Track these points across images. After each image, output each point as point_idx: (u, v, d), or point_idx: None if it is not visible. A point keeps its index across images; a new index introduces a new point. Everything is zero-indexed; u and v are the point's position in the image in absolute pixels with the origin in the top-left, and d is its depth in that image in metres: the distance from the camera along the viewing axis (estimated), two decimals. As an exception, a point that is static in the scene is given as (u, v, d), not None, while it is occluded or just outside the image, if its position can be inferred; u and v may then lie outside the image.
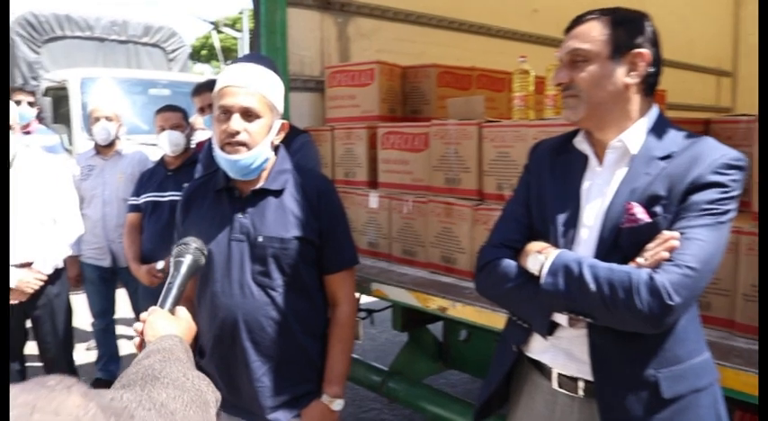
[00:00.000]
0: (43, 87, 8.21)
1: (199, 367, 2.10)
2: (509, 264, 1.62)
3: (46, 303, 3.42)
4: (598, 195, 1.57)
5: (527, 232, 1.67)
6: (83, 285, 4.22)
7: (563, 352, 1.59)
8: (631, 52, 1.51)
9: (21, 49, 8.64)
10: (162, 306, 1.38)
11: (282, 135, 2.00)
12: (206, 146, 3.00)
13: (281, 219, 1.96)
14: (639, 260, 1.41)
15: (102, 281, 4.10)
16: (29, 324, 3.53)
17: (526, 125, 2.52)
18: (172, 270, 1.47)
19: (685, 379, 1.47)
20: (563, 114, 1.61)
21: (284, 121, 2.00)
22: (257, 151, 1.90)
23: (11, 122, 3.27)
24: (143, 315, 1.36)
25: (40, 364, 3.65)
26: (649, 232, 1.43)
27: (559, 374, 1.61)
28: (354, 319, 2.16)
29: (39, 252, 3.34)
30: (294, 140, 2.75)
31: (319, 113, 3.63)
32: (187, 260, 1.48)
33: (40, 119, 5.98)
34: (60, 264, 3.47)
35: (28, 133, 4.99)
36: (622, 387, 1.48)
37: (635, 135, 1.54)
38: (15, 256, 3.30)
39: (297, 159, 2.52)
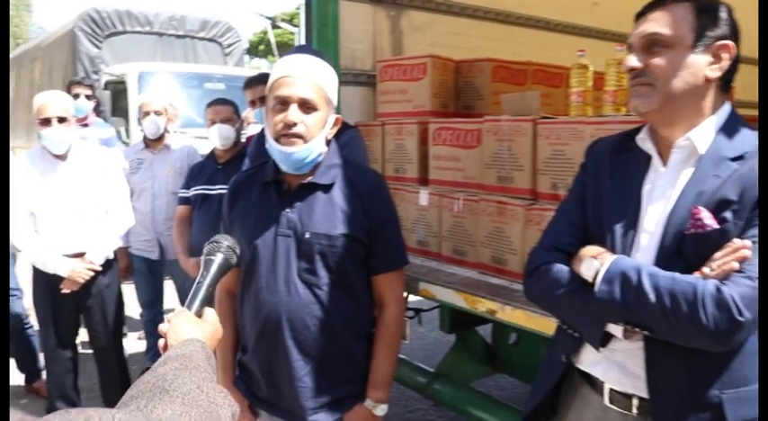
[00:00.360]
0: (103, 81, 8.40)
1: (240, 363, 2.08)
2: (561, 269, 1.52)
3: (97, 293, 3.48)
4: (661, 198, 1.45)
5: (581, 235, 1.57)
6: (132, 276, 4.27)
7: (616, 365, 1.49)
8: (716, 44, 1.39)
9: (83, 43, 8.87)
10: (189, 307, 1.31)
11: (336, 130, 1.95)
12: (255, 139, 2.98)
13: (330, 216, 1.90)
14: (705, 270, 1.30)
15: (150, 272, 4.14)
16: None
17: (584, 122, 2.41)
18: (201, 269, 1.41)
19: (753, 402, 1.33)
20: (632, 104, 1.48)
21: (338, 116, 1.95)
22: (312, 144, 1.85)
23: (67, 114, 3.31)
24: (168, 315, 1.31)
25: (90, 352, 3.71)
26: (717, 240, 1.31)
27: (612, 389, 1.51)
28: (401, 322, 2.09)
29: (90, 243, 3.39)
30: (342, 135, 2.70)
31: (370, 108, 3.57)
32: (218, 259, 1.42)
33: (98, 112, 6.10)
34: (111, 256, 3.52)
35: (85, 125, 5.08)
36: (681, 407, 1.36)
37: (704, 133, 1.42)
38: (68, 247, 3.36)
39: (344, 154, 2.46)
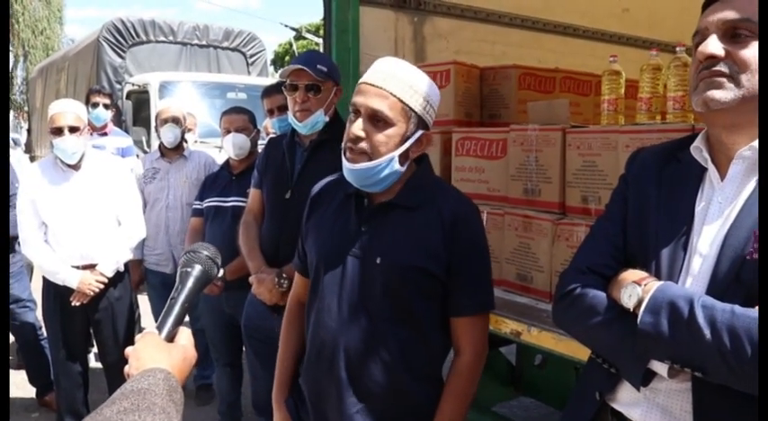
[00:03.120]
0: (125, 91, 8.41)
1: (297, 384, 1.90)
2: (597, 294, 1.34)
3: (107, 306, 3.40)
4: (717, 216, 1.26)
5: (621, 257, 1.38)
6: (145, 289, 4.18)
7: (659, 408, 1.30)
8: None
9: (107, 53, 8.91)
10: (160, 328, 1.14)
11: (423, 148, 1.73)
12: (263, 150, 2.87)
13: (406, 243, 1.70)
14: None
15: (164, 287, 4.02)
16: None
17: (616, 131, 2.26)
18: (177, 283, 1.23)
19: None
20: (702, 97, 1.25)
21: (427, 132, 1.71)
22: (379, 163, 1.64)
23: (79, 124, 3.25)
24: (137, 337, 1.15)
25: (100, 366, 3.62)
26: None
27: None
28: (478, 372, 1.80)
29: (102, 254, 3.31)
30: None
31: (391, 117, 3.45)
32: (195, 271, 1.24)
33: (119, 121, 6.08)
34: (122, 268, 3.43)
35: (104, 134, 5.04)
36: None
37: None
38: (80, 258, 3.29)
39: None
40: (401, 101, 1.63)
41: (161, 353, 1.07)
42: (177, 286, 1.22)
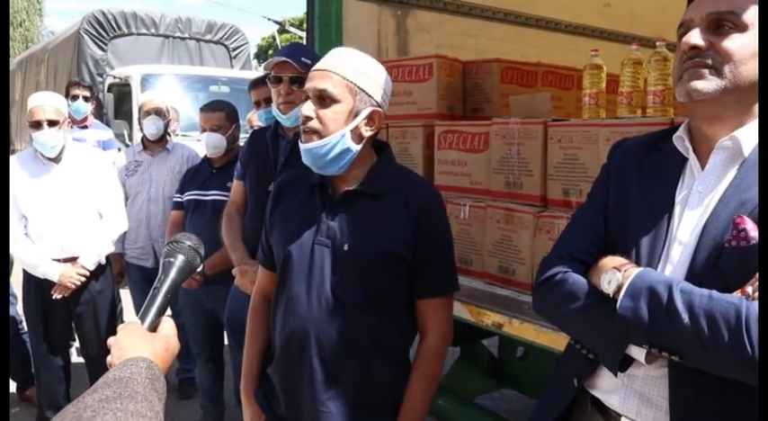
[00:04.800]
0: (107, 84, 8.33)
1: (265, 374, 1.92)
2: (577, 280, 1.34)
3: (89, 299, 3.38)
4: (697, 205, 1.28)
5: (601, 244, 1.39)
6: (126, 283, 4.15)
7: (636, 394, 1.31)
8: None
9: (88, 45, 8.81)
10: (143, 318, 1.15)
11: (376, 125, 1.76)
12: (246, 142, 2.86)
13: (373, 229, 1.73)
14: (749, 289, 1.11)
15: (145, 281, 3.98)
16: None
17: (597, 124, 2.28)
18: (159, 273, 1.24)
19: None
20: (685, 88, 1.27)
21: (378, 109, 1.74)
22: (330, 140, 1.67)
23: (58, 117, 3.22)
24: (119, 327, 1.15)
25: (83, 360, 3.60)
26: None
27: None
28: (444, 353, 1.87)
29: (83, 247, 3.29)
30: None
31: (374, 110, 3.45)
32: (178, 261, 1.24)
33: (100, 114, 6.01)
34: (104, 261, 3.41)
35: (85, 127, 4.99)
36: None
37: (750, 134, 1.24)
38: (61, 251, 3.27)
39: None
40: (344, 78, 1.68)
41: (143, 342, 1.07)
42: (160, 276, 1.22)
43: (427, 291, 1.80)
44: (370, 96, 1.71)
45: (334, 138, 1.68)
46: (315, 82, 1.68)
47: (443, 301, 1.85)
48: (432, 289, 1.81)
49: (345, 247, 1.71)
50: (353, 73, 1.69)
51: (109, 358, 1.06)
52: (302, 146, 1.71)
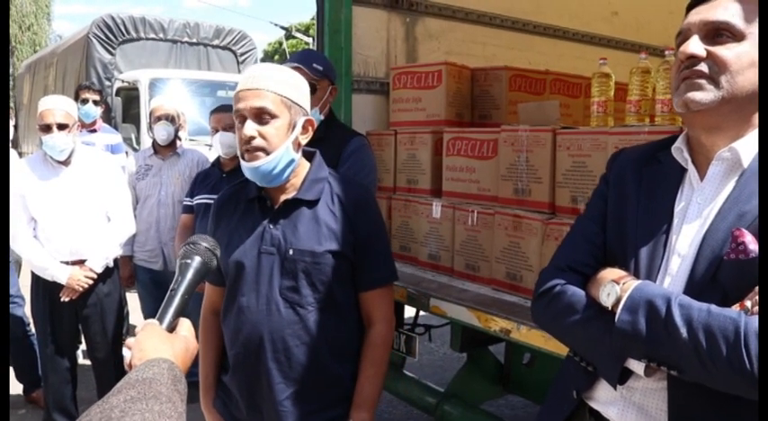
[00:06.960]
0: (115, 87, 8.36)
1: (222, 383, 1.99)
2: (576, 292, 1.34)
3: (96, 302, 3.40)
4: (696, 217, 1.27)
5: (600, 255, 1.39)
6: (134, 286, 4.17)
7: (635, 407, 1.30)
8: None
9: (97, 49, 8.84)
10: (161, 319, 1.16)
11: (309, 133, 1.84)
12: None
13: (314, 232, 1.82)
14: (747, 304, 1.10)
15: (154, 284, 4.01)
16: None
17: (606, 132, 2.29)
18: (177, 274, 1.25)
19: None
20: (682, 98, 1.26)
21: (309, 118, 1.83)
22: (277, 154, 1.74)
23: (68, 121, 3.23)
24: (137, 328, 1.17)
25: (89, 363, 3.61)
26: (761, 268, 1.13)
27: None
28: (390, 341, 1.99)
29: (92, 250, 3.31)
30: (348, 143, 2.60)
31: (383, 117, 3.47)
32: (195, 263, 1.26)
33: (108, 118, 6.03)
34: (111, 263, 3.43)
35: (93, 131, 5.01)
36: None
37: (750, 145, 1.23)
38: (69, 254, 3.28)
39: (349, 164, 2.29)
40: (278, 94, 1.74)
41: (164, 343, 1.08)
42: (177, 277, 1.23)
43: (370, 282, 1.92)
44: (301, 107, 1.80)
45: (280, 151, 1.76)
46: (250, 101, 1.73)
47: (385, 291, 1.96)
48: (374, 280, 1.92)
49: (291, 252, 1.80)
50: (285, 88, 1.77)
51: (128, 358, 1.07)
52: (248, 164, 1.76)
